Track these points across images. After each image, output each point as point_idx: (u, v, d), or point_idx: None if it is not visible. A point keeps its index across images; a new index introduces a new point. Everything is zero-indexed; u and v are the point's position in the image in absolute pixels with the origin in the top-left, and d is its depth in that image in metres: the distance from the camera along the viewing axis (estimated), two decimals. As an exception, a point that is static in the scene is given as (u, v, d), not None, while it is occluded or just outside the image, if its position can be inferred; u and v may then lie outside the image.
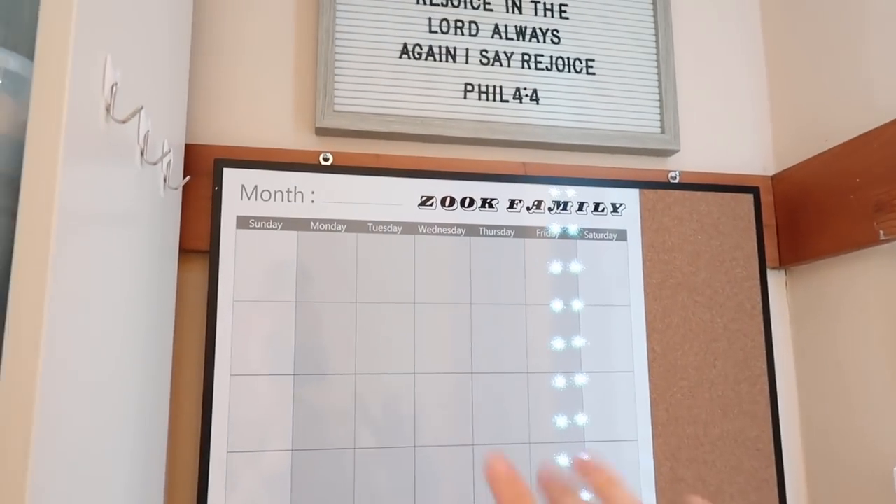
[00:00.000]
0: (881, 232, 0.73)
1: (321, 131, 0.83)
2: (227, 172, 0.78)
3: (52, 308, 0.39)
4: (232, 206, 0.77)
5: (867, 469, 0.77)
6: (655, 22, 0.93)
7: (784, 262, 0.90)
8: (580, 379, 0.82)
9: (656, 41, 0.93)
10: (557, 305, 0.83)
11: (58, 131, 0.41)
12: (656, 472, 0.82)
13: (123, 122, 0.49)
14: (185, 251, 0.76)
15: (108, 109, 0.48)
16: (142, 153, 0.57)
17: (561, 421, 0.80)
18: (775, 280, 0.92)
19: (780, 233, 0.91)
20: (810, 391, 0.88)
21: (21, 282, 0.39)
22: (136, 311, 0.60)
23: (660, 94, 0.91)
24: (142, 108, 0.50)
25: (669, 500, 0.81)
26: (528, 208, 0.84)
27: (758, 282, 0.88)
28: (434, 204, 0.82)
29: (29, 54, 0.44)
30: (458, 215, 0.82)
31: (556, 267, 0.84)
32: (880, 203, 0.74)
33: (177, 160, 0.73)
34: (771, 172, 0.95)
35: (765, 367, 0.86)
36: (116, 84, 0.49)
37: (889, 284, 0.76)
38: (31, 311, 0.39)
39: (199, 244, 0.77)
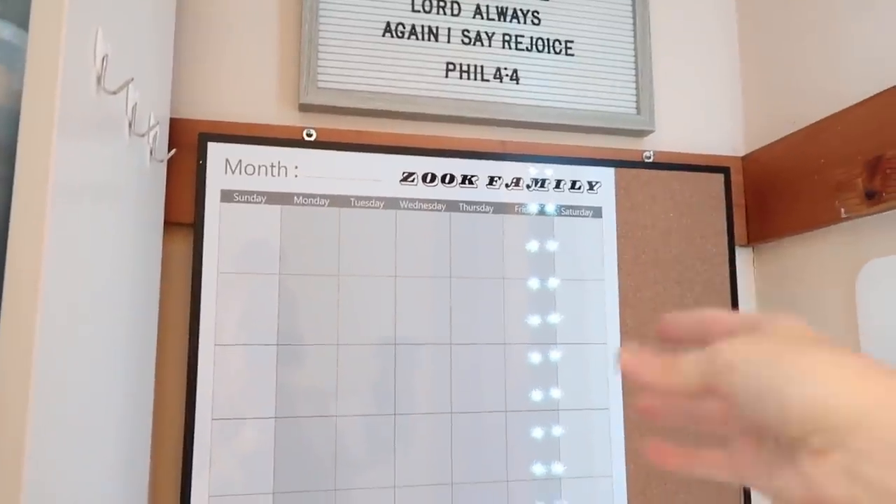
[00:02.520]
0: (842, 210, 0.76)
1: (305, 107, 0.85)
2: (212, 146, 0.79)
3: (48, 278, 0.41)
4: (216, 179, 0.79)
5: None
6: (633, 5, 0.95)
7: (752, 240, 0.94)
8: (555, 350, 0.85)
9: (634, 24, 0.95)
10: (534, 280, 0.85)
11: (52, 101, 0.42)
12: (626, 439, 0.85)
13: (114, 93, 0.51)
14: (169, 224, 0.78)
15: (99, 80, 0.49)
16: (130, 125, 0.58)
17: (536, 390, 0.84)
18: (743, 257, 0.96)
19: (748, 211, 0.95)
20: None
21: (18, 254, 0.40)
22: (124, 281, 0.61)
23: (636, 75, 0.94)
24: (132, 79, 0.52)
25: (638, 466, 0.85)
26: (506, 185, 0.87)
27: (726, 258, 0.92)
28: (415, 180, 0.84)
29: (22, 24, 0.45)
30: (439, 191, 0.84)
31: (533, 243, 0.86)
32: (841, 183, 0.77)
33: (162, 134, 0.74)
34: (741, 153, 0.98)
35: (731, 339, 0.90)
36: (107, 56, 0.50)
37: (846, 260, 0.80)
38: (27, 282, 0.40)
39: (184, 217, 0.78)
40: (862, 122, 0.76)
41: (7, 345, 0.39)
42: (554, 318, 0.85)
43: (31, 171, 0.41)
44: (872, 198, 0.72)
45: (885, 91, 0.73)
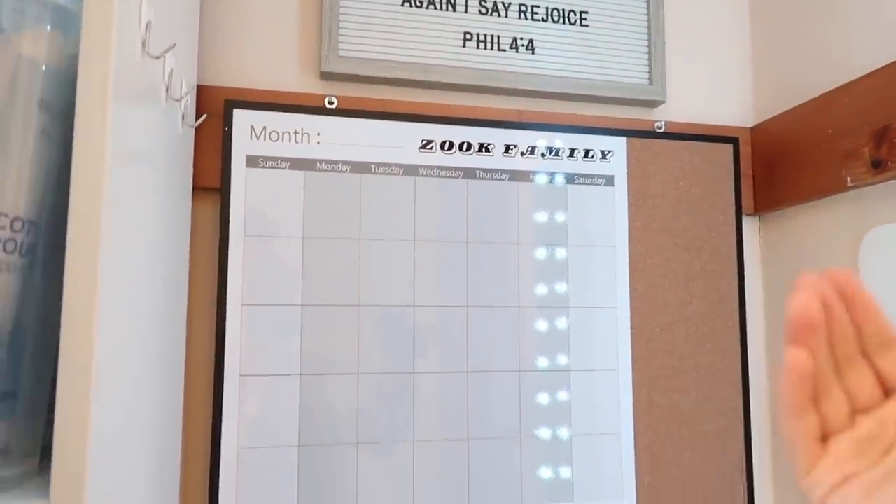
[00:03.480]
0: (848, 179, 0.79)
1: (326, 76, 0.87)
2: (237, 113, 0.81)
3: (105, 237, 0.43)
4: (242, 145, 0.81)
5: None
6: (647, -24, 0.97)
7: (758, 209, 0.97)
8: (567, 313, 0.88)
9: (647, -5, 0.96)
10: (547, 246, 0.88)
11: (108, 65, 0.44)
12: (634, 399, 0.89)
13: (157, 58, 0.53)
14: (196, 188, 0.80)
15: (143, 46, 0.51)
16: (167, 91, 0.61)
17: (548, 352, 0.87)
18: (749, 225, 0.99)
19: (755, 181, 0.97)
20: (777, 327, 0.96)
21: (78, 214, 0.43)
22: (160, 243, 0.64)
23: (649, 46, 0.96)
24: (174, 45, 0.54)
25: (645, 425, 0.89)
26: (522, 154, 0.89)
27: (734, 227, 0.95)
28: (434, 148, 0.86)
29: (76, -9, 0.47)
30: (457, 159, 0.87)
31: (547, 210, 0.89)
32: (848, 152, 0.80)
33: (191, 100, 0.76)
34: (750, 124, 1.00)
35: (737, 305, 0.93)
36: (150, 22, 0.52)
37: (850, 229, 0.83)
38: (87, 247, 0.43)
39: (211, 182, 0.81)
40: (870, 93, 0.78)
41: (73, 295, 0.42)
42: (566, 283, 0.88)
43: (88, 134, 0.44)
44: (878, 167, 0.75)
45: (891, 63, 0.75)
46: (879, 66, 0.77)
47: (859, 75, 0.80)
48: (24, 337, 0.47)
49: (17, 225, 0.46)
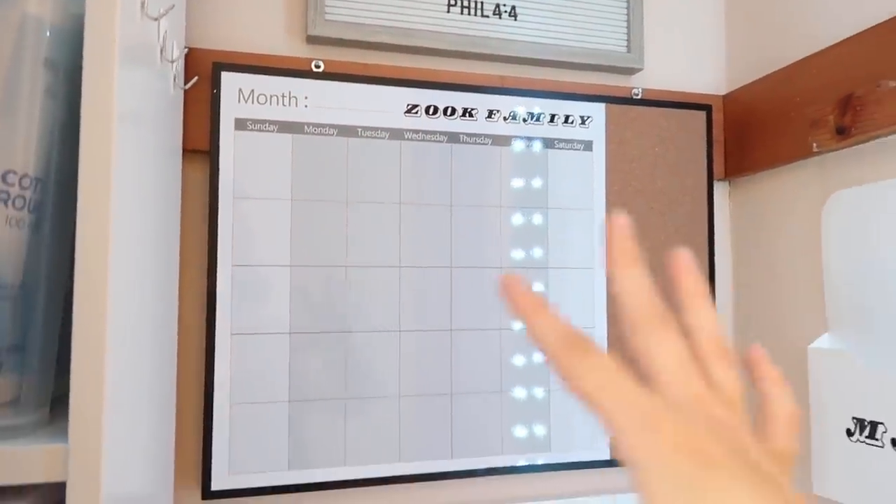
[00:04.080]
0: (814, 145, 0.83)
1: (312, 39, 0.87)
2: (225, 76, 0.82)
3: (115, 195, 0.45)
4: (230, 108, 0.82)
5: (786, 348, 0.91)
6: (626, -56, 0.99)
7: (728, 174, 1.01)
8: (547, 274, 0.92)
9: (626, -37, 0.99)
10: (528, 208, 0.91)
11: (113, 24, 0.45)
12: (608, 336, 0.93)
13: (156, 19, 0.54)
14: (185, 151, 0.81)
15: (143, 6, 0.52)
16: (161, 52, 0.62)
17: (529, 311, 0.91)
18: (720, 190, 1.03)
19: (726, 147, 1.01)
20: (743, 285, 1.01)
21: (88, 172, 0.44)
22: (154, 204, 0.66)
23: (627, 15, 0.98)
24: (173, 6, 0.55)
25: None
26: (504, 119, 0.91)
27: (705, 191, 0.99)
28: (419, 112, 0.88)
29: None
30: (441, 123, 0.89)
31: (528, 174, 0.92)
32: (814, 120, 0.84)
33: (180, 62, 0.77)
34: (723, 92, 1.04)
35: (707, 264, 0.98)
36: (149, -16, 0.53)
37: (814, 192, 0.87)
38: (100, 201, 0.44)
39: (199, 144, 0.82)
40: (835, 64, 0.82)
41: (86, 250, 0.44)
42: (545, 245, 0.92)
43: (96, 93, 0.45)
44: (842, 133, 0.79)
45: (856, 34, 0.79)
46: (844, 37, 0.81)
47: (825, 46, 0.84)
48: (33, 291, 0.49)
49: (26, 182, 0.47)
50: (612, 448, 0.26)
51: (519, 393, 0.90)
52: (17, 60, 0.46)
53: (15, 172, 0.47)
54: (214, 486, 0.79)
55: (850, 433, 0.77)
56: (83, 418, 0.44)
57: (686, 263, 0.35)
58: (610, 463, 0.92)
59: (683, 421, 0.28)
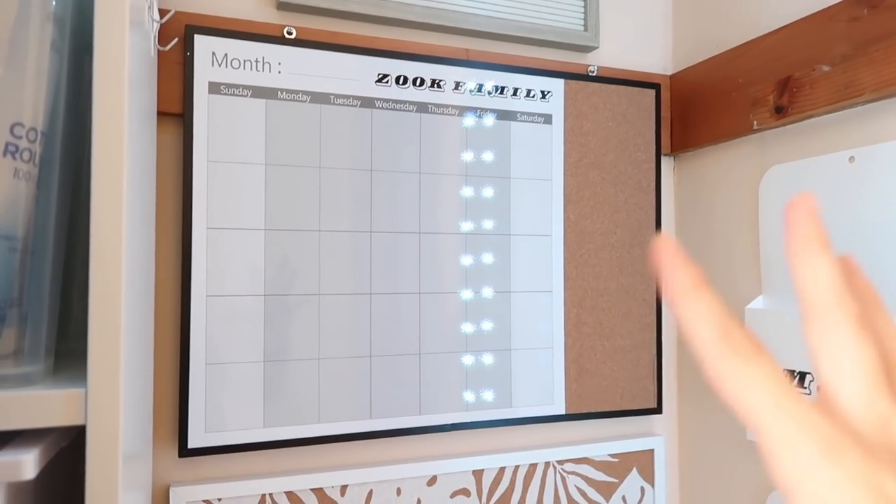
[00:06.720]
0: (754, 122, 0.91)
1: (283, 6, 0.88)
2: (198, 39, 0.82)
3: (128, 156, 0.47)
4: (204, 71, 0.82)
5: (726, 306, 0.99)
6: (584, -73, 1.03)
7: (674, 149, 1.08)
8: (509, 241, 0.97)
9: (584, -55, 1.03)
10: (492, 177, 0.96)
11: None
12: (565, 317, 1.00)
13: (154, -20, 0.55)
14: (159, 114, 0.81)
15: (142, -33, 0.53)
16: (148, 10, 0.62)
17: (492, 276, 0.96)
18: (667, 164, 1.11)
19: (673, 124, 1.08)
20: (686, 251, 1.09)
21: (103, 128, 0.46)
22: (141, 166, 0.66)
23: (585, -6, 1.03)
24: (172, -32, 0.56)
25: (574, 340, 1.00)
26: (470, 91, 0.95)
27: (654, 165, 1.06)
28: (389, 81, 0.91)
29: None
30: (411, 93, 0.92)
31: (492, 144, 0.96)
32: (755, 100, 0.91)
33: (157, 23, 0.76)
34: (670, 72, 1.11)
35: (654, 234, 1.05)
36: (148, -57, 0.54)
37: (753, 167, 0.95)
38: (113, 160, 0.46)
39: (172, 107, 0.82)
40: (774, 48, 0.90)
41: (102, 205, 0.45)
42: (508, 213, 0.97)
43: (108, 51, 0.46)
44: (780, 112, 0.87)
45: (795, 21, 0.87)
46: (784, 24, 0.89)
47: (766, 31, 0.91)
48: (38, 244, 0.50)
49: (32, 135, 0.48)
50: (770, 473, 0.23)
51: (484, 352, 0.95)
52: (26, 13, 0.46)
53: (23, 125, 0.47)
54: (191, 444, 0.81)
55: (780, 382, 0.86)
56: (101, 362, 0.46)
57: (853, 267, 0.30)
58: (562, 417, 0.99)
59: (868, 452, 0.23)
